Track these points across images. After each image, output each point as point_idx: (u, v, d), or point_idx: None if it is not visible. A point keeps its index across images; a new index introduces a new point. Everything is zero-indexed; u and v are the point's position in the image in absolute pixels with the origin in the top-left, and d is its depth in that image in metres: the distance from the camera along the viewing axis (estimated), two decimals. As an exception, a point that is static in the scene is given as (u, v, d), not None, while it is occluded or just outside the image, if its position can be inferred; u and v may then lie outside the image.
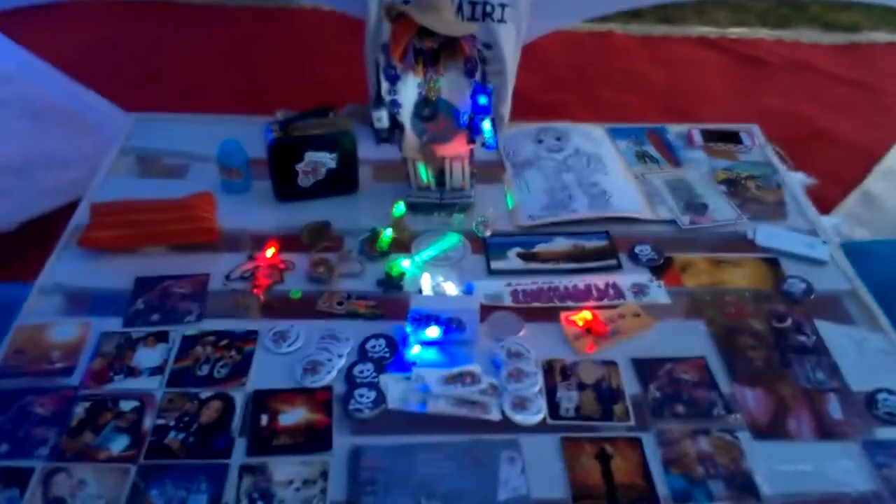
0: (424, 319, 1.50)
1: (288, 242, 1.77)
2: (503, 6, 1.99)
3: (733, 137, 2.19)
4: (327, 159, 1.84)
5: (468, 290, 1.64)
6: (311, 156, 1.83)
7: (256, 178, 1.92)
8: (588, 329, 1.57)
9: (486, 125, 1.74)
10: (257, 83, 3.90)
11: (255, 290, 1.62)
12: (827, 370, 1.51)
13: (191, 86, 3.89)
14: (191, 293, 1.62)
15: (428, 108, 1.71)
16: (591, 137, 2.13)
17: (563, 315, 1.60)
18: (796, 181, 2.04)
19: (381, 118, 1.74)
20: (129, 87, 3.64)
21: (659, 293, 1.67)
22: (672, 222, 1.88)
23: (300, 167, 1.84)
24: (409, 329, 1.51)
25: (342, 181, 1.89)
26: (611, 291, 1.67)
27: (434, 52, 1.66)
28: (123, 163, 2.04)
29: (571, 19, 2.42)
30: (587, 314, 1.59)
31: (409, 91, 1.72)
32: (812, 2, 5.32)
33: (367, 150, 1.94)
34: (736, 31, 4.79)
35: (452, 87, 1.71)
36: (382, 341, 1.52)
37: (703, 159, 2.12)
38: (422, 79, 1.68)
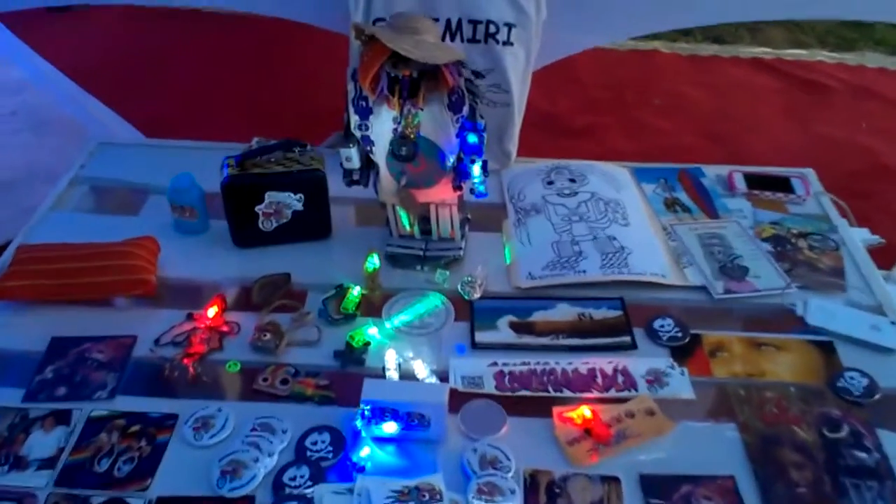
0: (378, 412, 1.20)
1: (240, 298, 1.51)
2: (510, 26, 1.69)
3: (783, 185, 1.85)
4: (292, 200, 1.57)
5: (460, 352, 1.37)
6: (272, 196, 1.55)
7: (218, 217, 1.65)
8: (587, 430, 1.25)
9: (476, 169, 1.45)
10: (270, 98, 3.67)
11: (185, 360, 1.35)
12: (894, 501, 1.17)
13: (203, 96, 3.68)
14: (110, 360, 1.36)
15: (406, 146, 1.42)
16: (611, 179, 1.81)
17: (556, 410, 1.29)
18: (858, 240, 1.69)
19: (351, 157, 1.46)
20: (140, 95, 3.46)
21: (681, 384, 1.35)
22: (703, 289, 1.55)
23: (260, 209, 1.56)
24: (359, 423, 1.21)
25: (311, 226, 1.61)
26: (620, 379, 1.35)
27: (413, 82, 1.37)
28: (73, 195, 1.80)
29: (609, 38, 2.11)
30: (586, 411, 1.27)
31: (383, 126, 1.43)
32: (878, 22, 4.88)
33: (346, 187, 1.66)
34: (793, 53, 4.39)
35: (435, 122, 1.41)
36: (327, 436, 1.23)
37: (745, 209, 1.78)
38: (397, 112, 1.39)
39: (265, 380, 1.32)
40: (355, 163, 1.46)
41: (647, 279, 1.54)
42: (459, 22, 1.67)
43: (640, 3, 1.89)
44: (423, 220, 1.59)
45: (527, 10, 1.69)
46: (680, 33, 4.60)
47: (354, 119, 1.43)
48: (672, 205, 1.79)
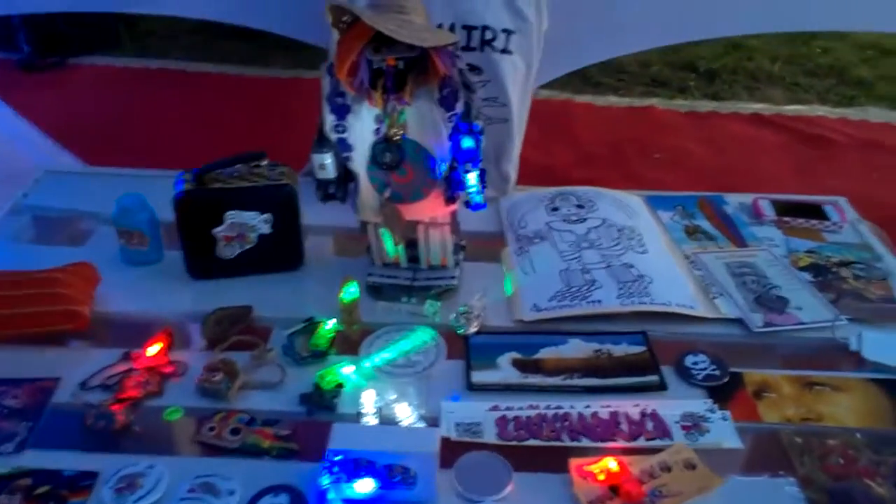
0: (350, 466, 0.94)
1: (191, 335, 1.27)
2: (508, 33, 1.52)
3: (815, 212, 1.64)
4: (258, 222, 1.34)
5: (454, 400, 1.11)
6: (234, 217, 1.33)
7: (174, 248, 1.42)
8: (613, 488, 1.00)
9: (472, 178, 1.23)
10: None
11: (113, 406, 1.09)
12: None
13: (188, 155, 3.50)
14: (24, 407, 1.11)
15: (390, 152, 1.21)
16: (623, 206, 1.61)
17: (574, 463, 1.03)
18: (907, 269, 1.47)
19: (325, 165, 1.24)
20: (115, 153, 3.29)
21: (724, 431, 1.10)
22: (738, 322, 1.32)
23: (219, 232, 1.34)
24: (325, 481, 0.95)
25: (280, 253, 1.39)
26: (650, 426, 1.10)
27: (398, 73, 1.17)
28: (13, 224, 1.58)
29: (613, 53, 1.97)
30: (612, 464, 1.02)
31: (363, 128, 1.22)
32: (878, 78, 4.82)
33: (323, 213, 1.45)
34: (793, 109, 4.29)
35: (423, 122, 1.21)
36: (284, 499, 0.97)
37: (776, 238, 1.57)
38: (381, 110, 1.18)
39: (211, 429, 1.07)
40: (330, 171, 1.25)
41: (673, 310, 1.31)
42: (452, 27, 1.49)
43: (644, 17, 1.73)
44: (410, 246, 1.37)
45: (527, 15, 1.52)
46: (676, 91, 4.51)
47: (330, 119, 1.22)
48: (693, 232, 1.58)
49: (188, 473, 1.00)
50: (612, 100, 4.36)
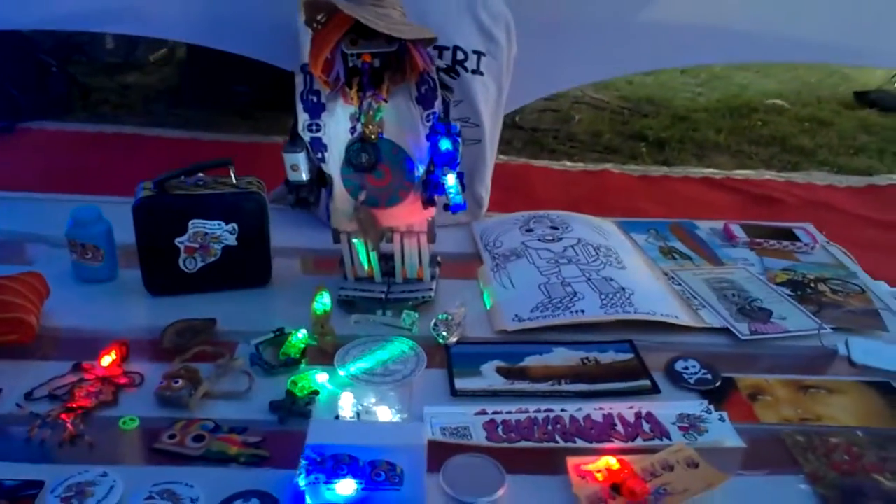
0: (329, 464, 0.85)
1: (147, 349, 1.17)
2: (479, 54, 1.52)
3: (786, 235, 1.65)
4: (223, 231, 1.27)
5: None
6: (198, 226, 1.26)
7: (129, 267, 1.33)
8: (615, 487, 0.92)
9: (451, 179, 1.19)
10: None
11: (62, 416, 0.98)
12: None
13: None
14: (-43, 419, 0.98)
15: (366, 152, 1.17)
16: (597, 228, 1.58)
17: (572, 462, 0.96)
18: (884, 292, 1.46)
19: (298, 165, 1.19)
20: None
21: (723, 430, 1.05)
22: (724, 332, 1.29)
23: (182, 242, 1.26)
24: (301, 482, 0.86)
25: (246, 267, 1.31)
26: (646, 427, 1.04)
27: (374, 72, 1.14)
28: (-47, 247, 1.46)
29: (579, 81, 2.01)
30: (611, 461, 0.95)
31: (338, 127, 1.18)
32: (818, 146, 5.03)
33: (292, 234, 1.40)
34: (741, 173, 4.43)
35: (400, 120, 1.18)
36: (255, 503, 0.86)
37: (750, 258, 1.56)
38: (356, 108, 1.15)
39: (171, 437, 0.96)
40: (303, 173, 1.19)
41: (658, 319, 1.27)
42: (422, 45, 1.48)
43: (611, 45, 1.77)
44: (385, 260, 1.31)
45: (497, 38, 1.52)
46: (628, 157, 4.63)
47: (303, 118, 1.18)
48: (668, 252, 1.56)
49: (145, 482, 0.89)
50: (568, 164, 4.44)
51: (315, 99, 1.17)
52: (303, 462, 0.86)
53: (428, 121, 1.18)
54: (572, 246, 1.48)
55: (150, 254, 1.26)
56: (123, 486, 0.88)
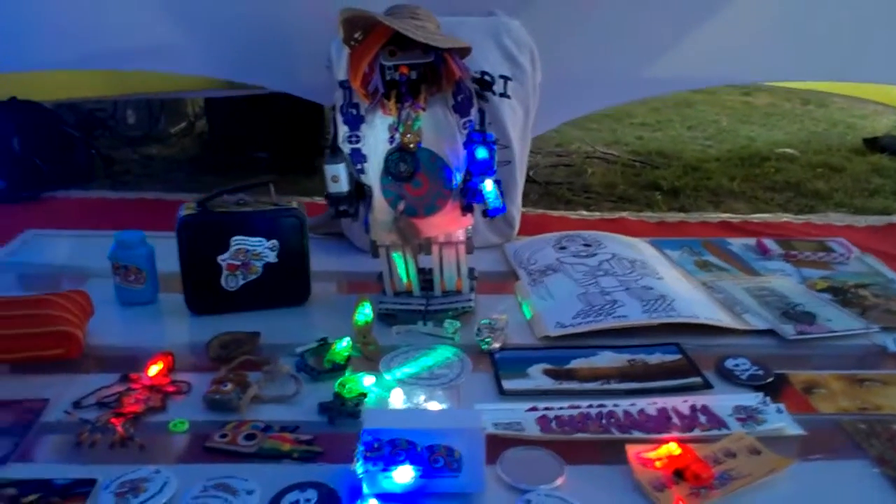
0: (388, 449, 0.84)
1: (194, 361, 1.16)
2: (506, 79, 1.56)
3: (819, 248, 1.64)
4: (264, 249, 1.28)
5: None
6: (240, 243, 1.27)
7: (170, 290, 1.35)
8: (678, 472, 0.90)
9: (489, 184, 1.21)
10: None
11: (112, 420, 0.98)
12: None
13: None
14: (10, 426, 0.97)
15: (405, 162, 1.19)
16: (630, 245, 1.59)
17: (632, 450, 0.93)
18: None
19: (338, 176, 1.21)
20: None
21: (781, 420, 1.02)
22: (769, 334, 1.27)
23: (224, 259, 1.27)
24: (359, 469, 0.84)
25: (286, 284, 1.32)
26: (702, 418, 1.02)
27: (412, 84, 1.18)
28: (-2, 281, 1.48)
29: (593, 107, 2.05)
30: (674, 447, 0.92)
31: (377, 138, 1.21)
32: (833, 190, 5.05)
33: (329, 260, 1.41)
34: (759, 217, 4.44)
35: (438, 129, 1.20)
36: (313, 494, 0.85)
37: (787, 269, 1.55)
38: (395, 118, 1.18)
39: (223, 436, 0.95)
40: (343, 184, 1.21)
41: (702, 321, 1.26)
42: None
43: (628, 71, 1.81)
44: (423, 273, 1.32)
45: (522, 64, 1.56)
46: (644, 206, 4.66)
47: (343, 130, 1.21)
48: (704, 265, 1.55)
49: (199, 478, 0.88)
50: (585, 213, 4.47)
51: (354, 111, 1.20)
52: (360, 448, 0.84)
53: (465, 129, 1.20)
54: (607, 260, 1.48)
55: (192, 272, 1.27)
56: (177, 481, 0.87)
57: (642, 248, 1.58)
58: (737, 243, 1.69)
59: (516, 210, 1.63)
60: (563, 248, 1.55)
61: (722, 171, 3.51)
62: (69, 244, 1.64)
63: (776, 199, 4.47)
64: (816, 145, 3.76)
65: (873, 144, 3.49)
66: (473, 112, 1.20)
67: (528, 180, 2.87)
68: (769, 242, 1.64)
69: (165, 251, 1.30)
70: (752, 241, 1.69)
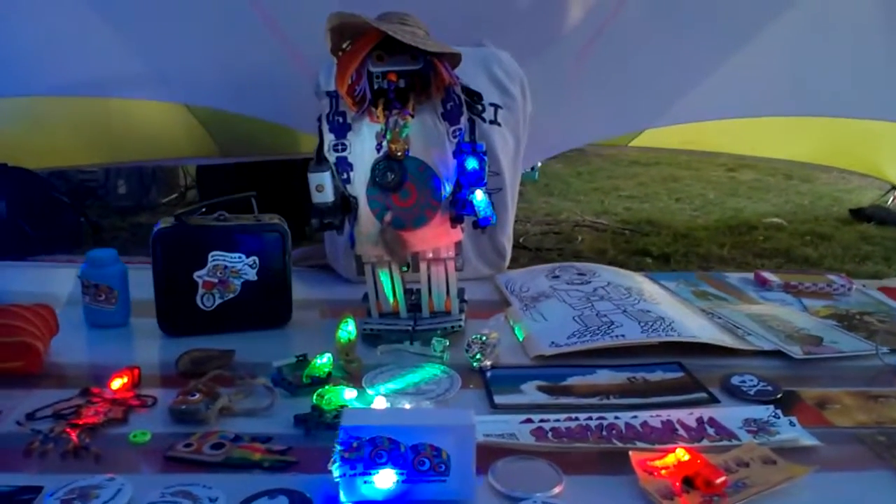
0: (368, 448, 0.76)
1: (161, 376, 1.08)
2: (496, 107, 1.54)
3: (820, 281, 1.59)
4: (244, 265, 1.22)
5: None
6: (218, 258, 1.21)
7: (143, 315, 1.27)
8: (687, 480, 0.82)
9: (479, 194, 1.16)
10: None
11: (66, 430, 0.89)
12: None
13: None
14: (-50, 437, 0.88)
15: (392, 171, 1.15)
16: (625, 276, 1.53)
17: (636, 458, 0.85)
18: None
19: (323, 185, 1.16)
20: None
21: (794, 431, 0.94)
22: (777, 354, 1.20)
23: (201, 276, 1.21)
24: (336, 471, 0.76)
25: (266, 304, 1.25)
26: (710, 430, 0.94)
27: (399, 91, 1.15)
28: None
29: (586, 140, 2.03)
30: (682, 454, 0.85)
31: (363, 146, 1.17)
32: (822, 256, 5.05)
33: (310, 289, 1.35)
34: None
35: (427, 138, 1.17)
36: (283, 501, 0.76)
37: (788, 299, 1.50)
38: (382, 126, 1.14)
39: (188, 445, 0.87)
40: (328, 194, 1.16)
41: (704, 341, 1.19)
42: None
43: (622, 104, 1.80)
44: (410, 294, 1.26)
45: (513, 93, 1.54)
46: (635, 271, 4.62)
47: (329, 138, 1.17)
48: (703, 295, 1.50)
49: (158, 487, 0.79)
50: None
51: (341, 119, 1.16)
52: (337, 448, 0.76)
53: (454, 137, 1.16)
54: (602, 287, 1.42)
55: (167, 289, 1.21)
56: (132, 489, 0.78)
57: (638, 279, 1.52)
58: (734, 276, 1.64)
59: (507, 240, 1.58)
60: (556, 276, 1.50)
61: (711, 239, 3.51)
62: (38, 273, 1.58)
63: (766, 266, 4.46)
64: (803, 216, 3.78)
65: (859, 214, 3.53)
66: (463, 121, 1.17)
67: (519, 246, 2.84)
68: (768, 274, 1.59)
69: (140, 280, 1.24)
70: (749, 275, 1.64)
